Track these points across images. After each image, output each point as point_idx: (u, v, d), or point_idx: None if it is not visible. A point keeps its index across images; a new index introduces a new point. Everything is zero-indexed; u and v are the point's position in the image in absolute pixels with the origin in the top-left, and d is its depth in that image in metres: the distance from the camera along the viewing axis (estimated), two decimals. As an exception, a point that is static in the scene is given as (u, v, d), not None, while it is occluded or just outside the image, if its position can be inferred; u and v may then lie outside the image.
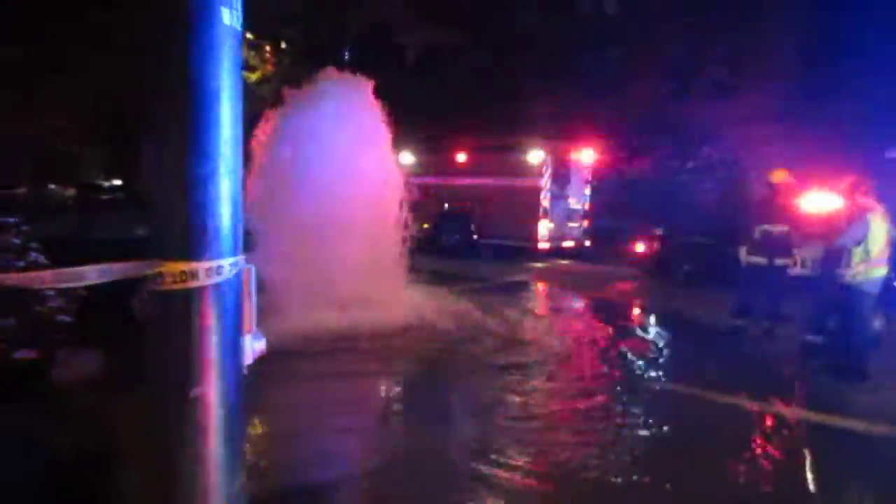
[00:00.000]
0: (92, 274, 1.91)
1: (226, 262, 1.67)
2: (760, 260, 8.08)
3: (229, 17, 1.59)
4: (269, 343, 5.91)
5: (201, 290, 1.64)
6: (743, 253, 8.34)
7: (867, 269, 6.50)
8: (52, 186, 30.51)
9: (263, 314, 5.93)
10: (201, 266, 1.63)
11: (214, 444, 1.70)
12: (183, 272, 1.61)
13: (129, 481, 3.27)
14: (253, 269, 1.80)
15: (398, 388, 6.49)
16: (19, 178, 27.55)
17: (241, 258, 1.74)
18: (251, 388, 5.04)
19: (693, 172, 20.33)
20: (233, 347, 1.75)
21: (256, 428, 4.97)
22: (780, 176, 8.35)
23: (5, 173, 26.95)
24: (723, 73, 22.68)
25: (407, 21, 19.91)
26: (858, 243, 6.50)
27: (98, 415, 4.80)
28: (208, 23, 1.56)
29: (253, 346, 1.85)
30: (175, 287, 1.62)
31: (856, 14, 16.77)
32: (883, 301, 6.79)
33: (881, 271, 6.62)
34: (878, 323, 6.72)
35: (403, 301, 9.30)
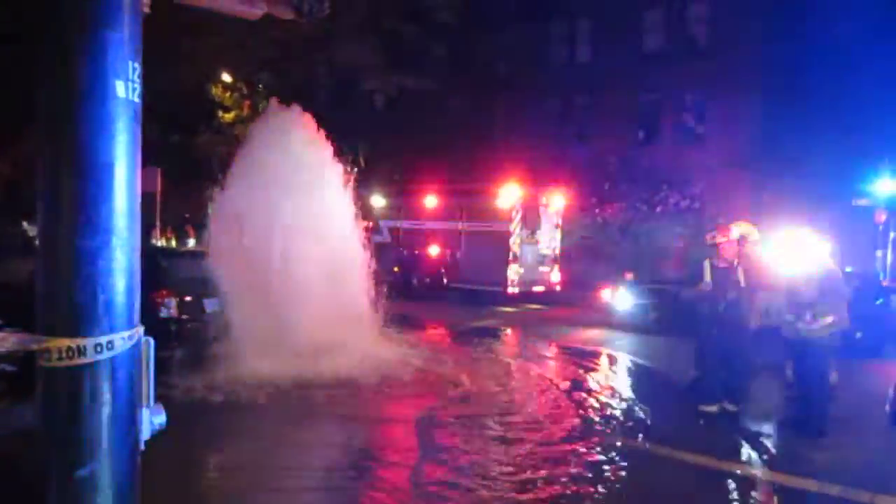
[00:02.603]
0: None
1: (118, 337, 1.62)
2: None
3: (124, 91, 1.58)
4: (227, 389, 5.73)
5: (90, 365, 1.58)
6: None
7: (832, 322, 6.48)
8: (25, 225, 29.89)
9: (224, 360, 5.81)
10: (90, 342, 1.57)
11: (105, 527, 1.62)
12: (69, 348, 1.56)
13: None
14: (151, 342, 1.75)
15: (353, 442, 6.35)
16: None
17: (137, 331, 1.69)
18: (199, 443, 4.88)
19: (661, 218, 20.64)
20: (127, 424, 1.68)
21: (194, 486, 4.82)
22: (742, 227, 8.46)
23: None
24: (690, 120, 23.32)
25: (378, 67, 20.23)
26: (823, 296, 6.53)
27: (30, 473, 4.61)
28: (101, 96, 1.54)
29: (151, 421, 1.78)
30: (62, 363, 1.56)
31: (823, 67, 17.39)
32: (840, 353, 6.85)
33: (844, 325, 6.64)
34: (833, 378, 6.76)
35: (367, 347, 9.20)
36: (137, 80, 1.63)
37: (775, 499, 5.15)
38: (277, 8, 2.09)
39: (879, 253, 17.44)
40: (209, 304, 8.04)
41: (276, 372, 7.49)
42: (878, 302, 11.10)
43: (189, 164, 22.51)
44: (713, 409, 6.98)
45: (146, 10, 1.72)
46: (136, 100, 1.63)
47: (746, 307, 7.17)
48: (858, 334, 8.84)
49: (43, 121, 1.57)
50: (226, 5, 1.93)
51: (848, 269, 9.60)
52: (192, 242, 22.35)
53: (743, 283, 7.06)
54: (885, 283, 13.92)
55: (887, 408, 6.80)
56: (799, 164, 17.80)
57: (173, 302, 7.52)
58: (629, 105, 23.88)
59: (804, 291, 6.51)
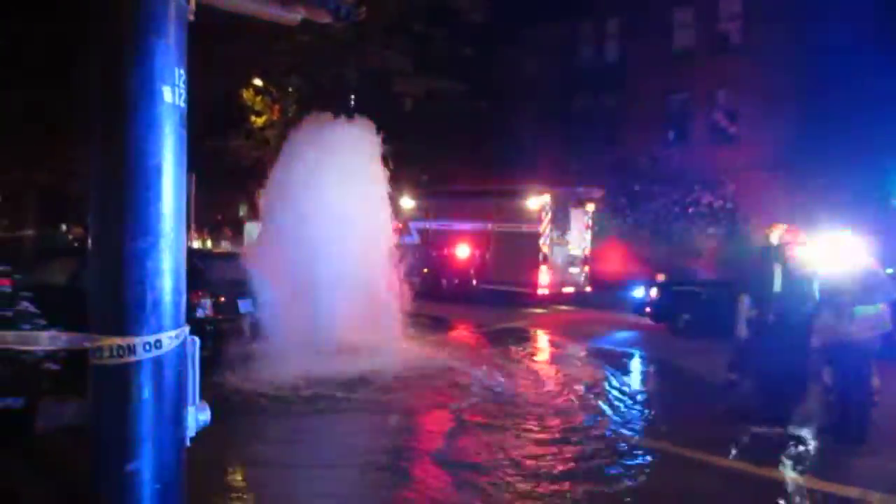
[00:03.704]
0: (44, 340, 1.92)
1: (165, 336, 1.67)
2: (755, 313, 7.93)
3: (171, 96, 1.63)
4: (263, 390, 5.83)
5: (139, 364, 1.63)
6: (740, 302, 8.24)
7: (873, 326, 6.32)
8: (63, 228, 30.77)
9: (258, 360, 5.91)
10: (139, 340, 1.62)
11: (150, 520, 1.67)
12: (120, 346, 1.61)
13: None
14: (197, 341, 1.79)
15: (386, 443, 6.39)
16: (29, 220, 27.80)
17: (183, 330, 1.74)
18: (238, 440, 4.95)
19: (693, 219, 20.36)
20: (172, 421, 1.73)
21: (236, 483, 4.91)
22: (777, 229, 8.31)
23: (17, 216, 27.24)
24: (722, 120, 22.96)
25: (406, 69, 20.31)
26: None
27: (76, 467, 4.74)
28: (149, 101, 1.59)
29: (197, 418, 1.83)
30: (113, 361, 1.61)
31: (859, 65, 16.99)
32: (882, 358, 6.66)
33: (886, 327, 6.47)
34: (875, 383, 6.57)
35: (398, 348, 9.26)
36: (183, 86, 1.68)
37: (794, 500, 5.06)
38: (314, 12, 2.12)
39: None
40: (243, 305, 8.18)
41: (310, 371, 7.60)
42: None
43: (221, 168, 22.89)
44: (764, 430, 6.28)
45: (191, 17, 1.76)
46: (182, 105, 1.68)
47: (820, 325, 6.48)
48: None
49: (93, 126, 1.63)
50: (266, 11, 1.97)
51: (889, 271, 9.35)
52: (226, 244, 22.73)
53: (818, 296, 6.45)
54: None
55: None
56: (834, 164, 17.41)
57: (209, 302, 7.67)
58: (659, 105, 23.62)
59: (844, 292, 6.35)
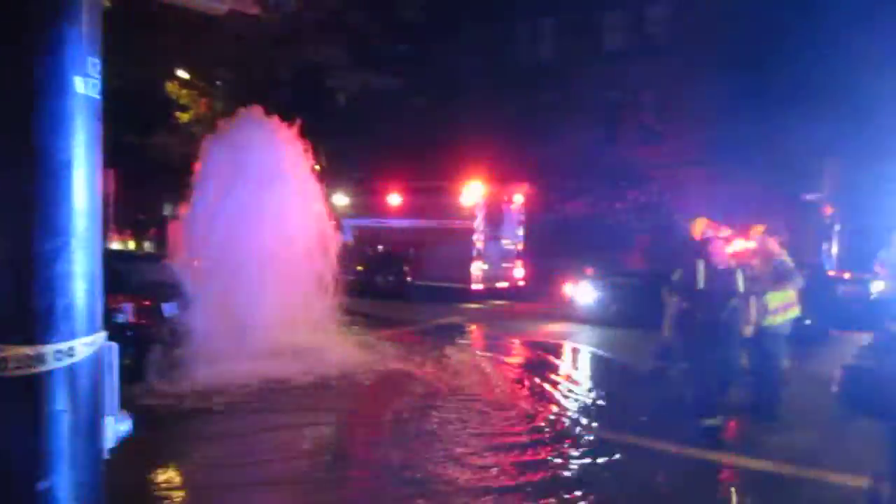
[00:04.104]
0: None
1: (79, 343, 1.56)
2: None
3: (83, 86, 1.52)
4: (193, 395, 5.66)
5: (50, 374, 1.52)
6: (665, 295, 8.53)
7: (785, 311, 6.77)
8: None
9: (185, 365, 5.73)
10: (50, 349, 1.51)
11: (67, 541, 1.56)
12: (28, 356, 1.49)
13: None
14: (115, 347, 1.69)
15: (325, 445, 6.28)
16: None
17: (99, 336, 1.63)
18: (160, 450, 4.77)
19: (622, 214, 20.95)
20: (89, 434, 1.62)
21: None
22: (699, 224, 8.64)
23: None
24: (649, 119, 23.73)
25: (341, 65, 20.02)
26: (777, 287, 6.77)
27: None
28: (59, 93, 1.47)
29: (116, 429, 1.72)
30: (20, 373, 1.49)
31: (774, 67, 17.87)
32: (791, 340, 7.08)
33: (795, 312, 6.95)
34: (785, 364, 6.98)
35: (331, 347, 9.13)
36: (97, 76, 1.57)
37: (734, 480, 5.30)
38: (241, 2, 2.04)
39: (826, 245, 18.04)
40: (168, 309, 7.85)
41: (239, 375, 7.39)
42: (825, 291, 11.53)
43: (143, 165, 21.93)
44: (716, 421, 6.26)
45: (106, 3, 1.66)
46: (97, 96, 1.57)
47: (745, 315, 6.56)
48: (808, 321, 9.11)
49: (-1, 119, 1.50)
50: (190, 0, 1.87)
51: (797, 261, 9.93)
52: (149, 245, 21.82)
53: (742, 288, 6.44)
54: (831, 274, 14.44)
55: (835, 389, 7.07)
56: (751, 161, 18.29)
57: (130, 307, 7.31)
58: (590, 103, 24.19)
59: (760, 282, 6.75)
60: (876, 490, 3.72)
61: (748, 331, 6.55)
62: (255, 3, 2.09)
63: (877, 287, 12.27)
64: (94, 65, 1.59)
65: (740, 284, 6.40)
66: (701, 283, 6.27)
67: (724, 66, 19.71)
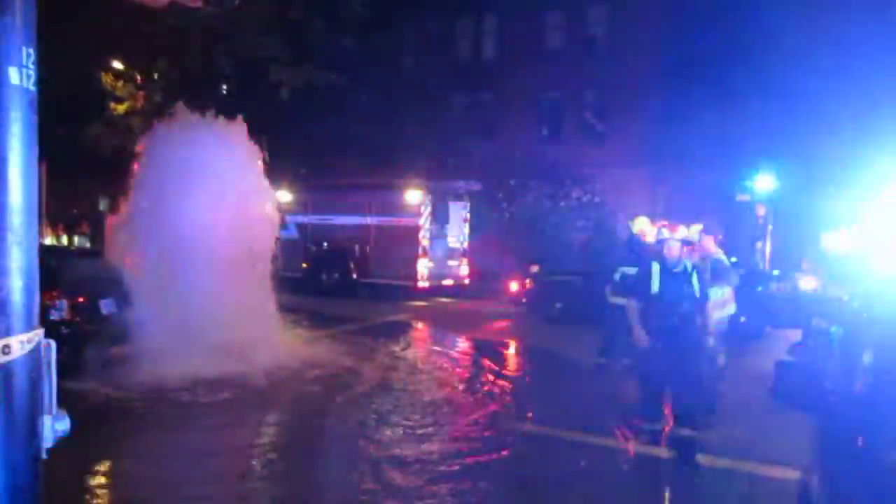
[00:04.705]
0: None
1: (15, 341, 1.52)
2: (622, 301, 8.38)
3: (18, 78, 1.49)
4: (126, 395, 5.50)
5: (-16, 372, 1.48)
6: (608, 293, 8.74)
7: (722, 308, 7.01)
8: None
9: (121, 364, 5.57)
10: (-17, 345, 1.47)
11: (2, 545, 1.53)
12: (-39, 354, 1.45)
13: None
14: (53, 345, 1.66)
15: (264, 440, 6.21)
16: None
17: (36, 333, 1.60)
18: (92, 452, 4.64)
19: (565, 212, 21.34)
20: (25, 432, 1.58)
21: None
22: (640, 223, 8.90)
23: None
24: (591, 118, 24.24)
25: (284, 59, 19.72)
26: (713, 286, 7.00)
27: None
28: (-8, 84, 1.45)
29: (54, 428, 1.69)
30: (-49, 370, 1.46)
31: (711, 68, 18.49)
32: (725, 337, 7.36)
33: (731, 310, 7.23)
34: (721, 360, 7.25)
35: (274, 345, 9.00)
36: (33, 67, 1.54)
37: (671, 473, 5.48)
38: (184, -5, 2.02)
39: (759, 244, 18.79)
40: (105, 306, 7.62)
41: (177, 375, 7.22)
42: (758, 289, 12.00)
43: (77, 158, 21.11)
44: (658, 426, 5.92)
45: (41, -9, 1.62)
46: (32, 88, 1.54)
47: (703, 320, 6.04)
48: (742, 319, 9.49)
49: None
50: (129, -9, 1.84)
51: (733, 259, 10.29)
52: (84, 240, 20.99)
53: (698, 292, 5.90)
54: (764, 272, 15.06)
55: (770, 384, 7.45)
56: (689, 161, 18.93)
57: (65, 303, 7.07)
58: (532, 102, 24.55)
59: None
60: (806, 482, 3.88)
61: (710, 341, 6.16)
62: (198, -4, 2.08)
63: (805, 285, 12.89)
64: (29, 55, 1.56)
65: (696, 288, 5.90)
66: (655, 287, 5.84)
67: (664, 67, 20.34)
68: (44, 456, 1.69)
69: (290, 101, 20.01)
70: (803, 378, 6.93)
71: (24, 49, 1.53)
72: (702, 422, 5.82)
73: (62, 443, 1.75)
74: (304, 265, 17.41)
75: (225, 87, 22.38)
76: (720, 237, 8.32)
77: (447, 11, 24.55)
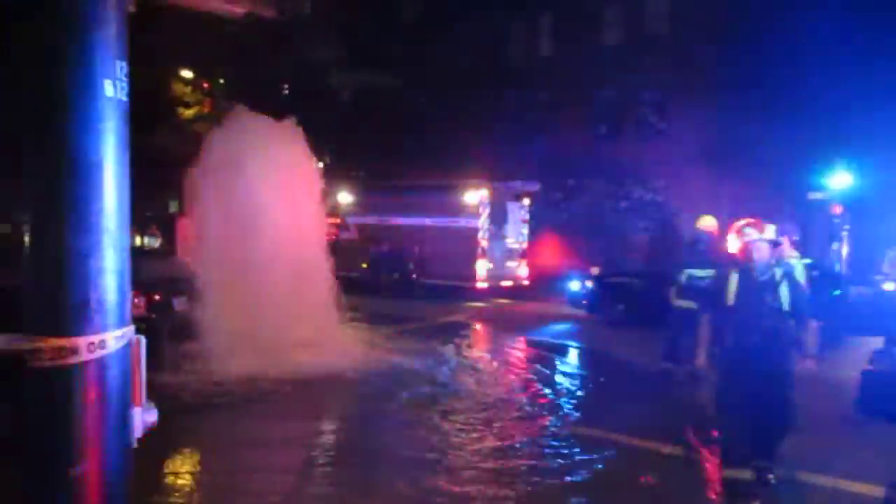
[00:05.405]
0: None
1: (110, 336, 1.62)
2: (688, 304, 8.06)
3: (112, 90, 1.58)
4: (200, 389, 5.72)
5: (83, 365, 1.59)
6: (673, 296, 8.53)
7: None
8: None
9: (195, 359, 5.81)
10: (83, 341, 1.58)
11: (96, 525, 1.63)
12: (63, 348, 1.56)
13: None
14: (143, 340, 1.76)
15: (331, 439, 6.36)
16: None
17: (128, 329, 1.70)
18: (173, 442, 4.82)
19: (626, 212, 20.97)
20: (118, 422, 1.69)
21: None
22: (706, 222, 8.65)
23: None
24: (651, 115, 23.71)
25: (341, 64, 20.09)
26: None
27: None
28: (89, 96, 1.54)
29: (144, 419, 1.79)
30: (54, 363, 1.56)
31: (781, 63, 17.84)
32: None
33: None
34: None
35: (336, 344, 9.20)
36: (125, 79, 1.64)
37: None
38: (259, 6, 2.10)
39: (835, 245, 17.99)
40: (178, 303, 7.96)
41: (246, 370, 7.48)
42: (835, 293, 11.46)
43: (148, 163, 22.02)
44: (746, 475, 4.70)
45: (132, 8, 1.72)
46: (124, 98, 1.64)
47: (791, 339, 4.95)
48: (819, 324, 9.10)
49: (31, 123, 1.57)
50: (210, 4, 1.94)
51: (807, 261, 9.89)
52: (157, 241, 21.88)
53: (787, 305, 4.81)
54: (842, 275, 14.38)
55: (851, 394, 6.99)
56: (757, 158, 18.27)
57: (142, 301, 7.42)
58: (591, 100, 24.18)
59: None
60: (892, 499, 3.57)
61: (809, 363, 5.04)
62: (272, 6, 2.15)
63: (888, 288, 12.18)
64: (122, 68, 1.66)
65: (785, 299, 4.79)
66: (731, 299, 4.84)
67: (728, 61, 19.68)
68: (134, 445, 1.79)
69: (349, 103, 20.37)
70: (890, 388, 6.53)
71: (117, 63, 1.63)
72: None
73: (147, 434, 1.86)
74: (364, 265, 17.68)
75: (286, 91, 22.95)
76: (795, 238, 7.92)
77: (502, 10, 24.49)
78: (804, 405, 6.31)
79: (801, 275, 5.79)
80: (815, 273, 9.18)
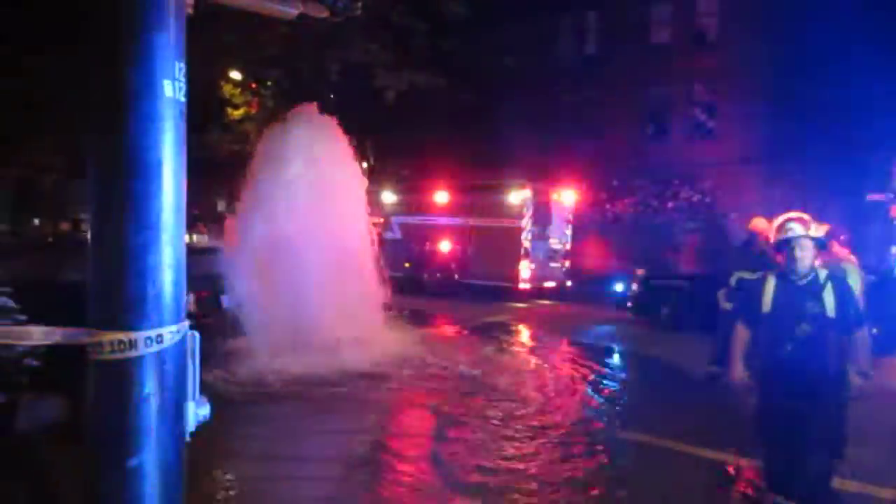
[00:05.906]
0: (37, 335, 1.89)
1: (167, 331, 1.66)
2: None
3: (171, 90, 1.62)
4: (248, 385, 5.80)
5: (141, 358, 1.63)
6: (721, 299, 8.33)
7: None
8: (36, 222, 30.29)
9: (242, 355, 5.93)
10: (141, 335, 1.62)
11: (152, 514, 1.67)
12: (122, 341, 1.60)
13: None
14: (197, 336, 1.79)
15: (376, 438, 6.40)
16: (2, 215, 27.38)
17: (184, 325, 1.74)
18: (224, 435, 4.91)
19: (674, 213, 20.59)
20: (173, 415, 1.73)
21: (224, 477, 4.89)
22: (758, 223, 8.41)
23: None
24: (700, 115, 23.23)
25: (387, 63, 20.22)
26: None
27: (54, 468, 4.70)
28: (150, 96, 1.59)
29: (196, 413, 1.83)
30: (114, 356, 1.61)
31: (833, 61, 17.28)
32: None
33: None
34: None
35: (381, 342, 9.27)
36: (183, 80, 1.68)
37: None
38: (312, 7, 2.12)
39: (894, 249, 17.30)
40: (226, 300, 8.13)
41: (293, 366, 7.61)
42: (894, 298, 10.99)
43: (197, 162, 22.58)
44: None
45: (189, 10, 1.76)
46: (182, 98, 1.68)
47: (837, 352, 4.09)
48: (875, 331, 8.77)
49: (94, 121, 1.62)
50: (265, 6, 1.97)
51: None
52: (205, 239, 22.45)
53: (832, 311, 4.03)
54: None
55: None
56: (810, 158, 17.73)
57: (191, 298, 7.59)
58: (638, 99, 23.82)
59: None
60: None
61: (856, 380, 4.19)
62: (325, 7, 2.17)
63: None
64: (180, 69, 1.70)
65: (829, 305, 4.04)
66: (768, 304, 4.22)
67: (778, 59, 19.14)
68: (188, 438, 1.83)
69: (393, 104, 20.50)
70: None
71: (176, 63, 1.67)
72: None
73: (198, 428, 1.89)
74: (407, 265, 17.78)
75: (332, 91, 23.24)
76: (842, 238, 7.64)
77: (549, 9, 24.32)
78: (858, 414, 6.09)
79: (853, 280, 5.37)
80: (871, 278, 8.85)
